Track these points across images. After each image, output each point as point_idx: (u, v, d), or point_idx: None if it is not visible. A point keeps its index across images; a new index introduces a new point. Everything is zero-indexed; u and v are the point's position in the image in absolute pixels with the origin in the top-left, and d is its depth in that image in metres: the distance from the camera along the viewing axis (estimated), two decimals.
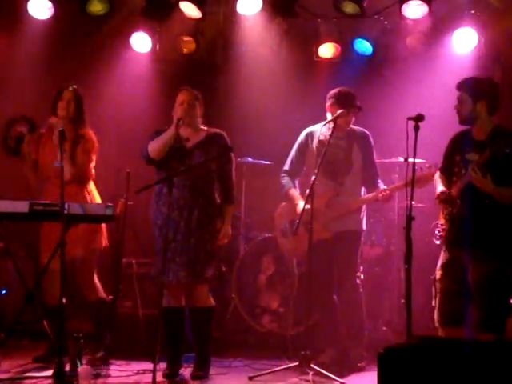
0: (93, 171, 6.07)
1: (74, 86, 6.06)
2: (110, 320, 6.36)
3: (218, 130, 5.83)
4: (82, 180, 5.97)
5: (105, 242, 6.14)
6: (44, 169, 6.00)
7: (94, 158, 6.04)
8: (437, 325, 5.27)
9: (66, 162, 5.73)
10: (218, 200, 5.75)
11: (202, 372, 5.65)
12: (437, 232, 5.32)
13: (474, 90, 5.25)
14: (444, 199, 5.28)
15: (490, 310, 5.06)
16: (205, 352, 5.73)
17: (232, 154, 5.82)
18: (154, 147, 5.69)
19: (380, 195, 6.00)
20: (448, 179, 5.36)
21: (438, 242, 5.37)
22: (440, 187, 5.39)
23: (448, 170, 5.39)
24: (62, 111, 5.98)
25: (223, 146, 5.74)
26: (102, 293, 6.15)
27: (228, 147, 5.67)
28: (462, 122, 5.33)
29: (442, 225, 5.32)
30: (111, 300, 6.57)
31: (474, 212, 5.16)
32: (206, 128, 5.83)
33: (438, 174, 5.52)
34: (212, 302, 5.75)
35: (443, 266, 5.29)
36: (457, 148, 5.34)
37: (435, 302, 5.30)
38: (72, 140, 5.91)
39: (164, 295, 5.41)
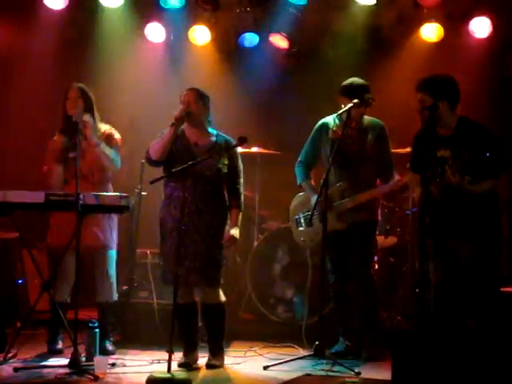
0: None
1: (79, 84, 6.05)
2: (123, 313, 6.41)
3: (227, 138, 5.75)
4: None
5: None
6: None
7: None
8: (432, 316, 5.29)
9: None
10: (225, 205, 5.73)
11: (216, 361, 5.67)
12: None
13: (435, 90, 5.26)
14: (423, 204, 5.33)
15: (482, 299, 5.11)
16: (218, 343, 5.73)
17: (240, 162, 5.78)
18: (155, 148, 5.62)
19: (394, 186, 5.98)
20: (422, 177, 5.35)
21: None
22: (416, 188, 5.45)
23: (419, 168, 5.38)
24: (70, 111, 5.95)
25: (232, 155, 5.72)
26: (113, 296, 6.10)
27: (241, 138, 5.57)
28: (425, 124, 5.32)
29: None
30: (126, 290, 6.63)
31: (454, 207, 5.22)
32: (215, 132, 5.77)
33: (410, 174, 5.56)
34: (223, 298, 5.70)
35: (432, 257, 5.32)
36: (423, 145, 5.32)
37: (429, 295, 5.33)
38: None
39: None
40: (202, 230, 5.57)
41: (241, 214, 5.76)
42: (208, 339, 5.78)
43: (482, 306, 5.12)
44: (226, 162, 5.67)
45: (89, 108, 5.99)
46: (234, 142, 5.68)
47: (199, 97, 5.67)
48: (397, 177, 6.04)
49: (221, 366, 5.68)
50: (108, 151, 5.94)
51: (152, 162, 5.71)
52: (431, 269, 5.33)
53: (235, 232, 5.68)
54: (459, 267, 5.23)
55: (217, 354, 5.70)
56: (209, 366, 5.65)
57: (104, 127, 6.08)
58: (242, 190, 5.78)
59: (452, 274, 5.25)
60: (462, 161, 5.07)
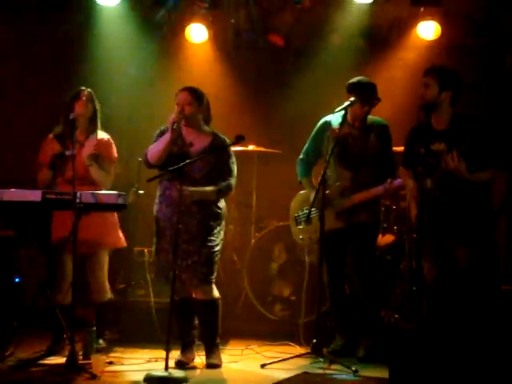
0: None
1: (89, 89, 6.04)
2: (120, 311, 6.41)
3: (223, 138, 5.69)
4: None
5: (121, 241, 6.13)
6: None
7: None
8: (424, 315, 5.30)
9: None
10: (218, 203, 5.69)
11: (214, 360, 5.64)
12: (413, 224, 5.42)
13: (443, 78, 5.29)
14: (415, 195, 5.36)
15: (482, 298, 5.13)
16: (212, 340, 5.68)
17: (232, 162, 5.69)
18: (153, 153, 5.63)
19: (388, 188, 5.93)
20: (413, 171, 5.44)
21: (415, 235, 5.45)
22: (409, 183, 5.48)
23: (412, 163, 5.43)
24: (80, 109, 5.91)
25: (225, 158, 5.65)
26: (108, 295, 6.06)
27: (239, 137, 5.52)
28: (422, 107, 5.36)
29: (415, 216, 5.37)
30: (123, 289, 6.63)
31: (453, 199, 5.23)
32: (211, 132, 5.72)
33: (401, 168, 5.60)
34: (216, 294, 5.67)
35: (428, 255, 5.33)
36: (418, 140, 5.38)
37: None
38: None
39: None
40: (192, 228, 5.56)
41: (215, 192, 5.58)
42: (202, 337, 5.75)
43: (481, 304, 5.14)
44: (217, 162, 5.62)
45: (95, 114, 6.00)
46: (229, 143, 5.67)
47: (193, 97, 5.64)
48: (389, 179, 6.00)
49: (220, 364, 5.66)
50: (98, 173, 5.91)
51: (150, 166, 5.71)
52: (426, 267, 5.35)
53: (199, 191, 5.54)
54: (456, 267, 5.23)
55: (213, 351, 5.67)
56: (209, 365, 5.62)
57: (102, 135, 6.06)
58: (231, 183, 5.66)
59: (448, 273, 5.26)
60: (464, 145, 5.07)
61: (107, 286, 6.06)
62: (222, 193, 5.65)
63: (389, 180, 5.90)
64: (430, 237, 5.33)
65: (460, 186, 5.18)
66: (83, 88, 6.01)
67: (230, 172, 5.68)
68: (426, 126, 5.38)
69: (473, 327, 4.86)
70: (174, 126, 5.54)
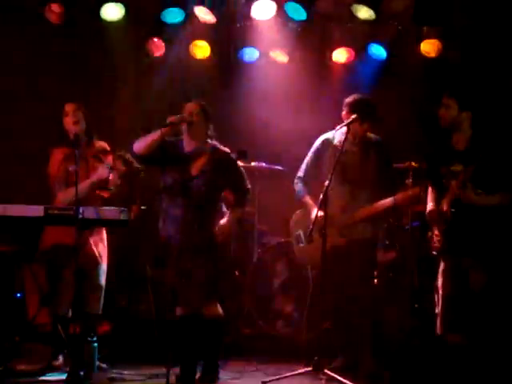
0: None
1: (72, 103, 6.02)
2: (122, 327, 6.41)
3: (225, 152, 5.70)
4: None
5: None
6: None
7: None
8: (439, 332, 5.28)
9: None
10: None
11: (210, 376, 5.61)
12: (433, 243, 5.40)
13: (463, 99, 5.29)
14: (434, 219, 5.36)
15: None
16: (211, 359, 5.65)
17: (240, 172, 5.73)
18: (140, 141, 5.59)
19: (397, 201, 5.94)
20: (438, 192, 5.43)
21: (434, 253, 5.44)
22: (429, 205, 5.49)
23: (437, 182, 5.44)
24: (72, 126, 5.93)
25: (235, 173, 5.70)
26: (101, 308, 6.07)
27: (241, 152, 5.58)
28: (442, 127, 5.36)
29: (436, 235, 5.36)
30: (124, 304, 6.62)
31: (468, 220, 5.22)
32: (212, 143, 5.70)
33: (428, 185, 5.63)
34: (219, 311, 5.64)
35: (444, 273, 5.32)
36: (440, 160, 5.39)
37: (438, 309, 5.33)
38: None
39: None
40: (193, 247, 5.54)
41: (240, 210, 5.76)
42: (203, 353, 5.70)
43: (494, 326, 5.13)
44: (224, 176, 5.63)
45: (88, 124, 5.99)
46: (231, 155, 5.69)
47: (202, 110, 5.64)
48: (400, 192, 6.02)
49: (214, 381, 5.60)
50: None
51: (132, 153, 5.69)
52: (440, 283, 5.33)
53: (226, 225, 5.62)
54: (469, 288, 5.22)
55: (214, 368, 5.64)
56: (202, 380, 5.58)
57: (99, 142, 6.07)
58: (245, 189, 5.72)
59: (462, 292, 5.24)
60: (470, 171, 5.08)
61: (101, 300, 6.04)
62: (242, 215, 5.90)
63: (400, 193, 5.96)
64: (445, 257, 5.32)
65: (475, 207, 5.17)
66: (68, 103, 6.01)
67: (244, 186, 5.73)
68: (446, 146, 5.38)
69: (482, 346, 4.85)
70: (168, 123, 5.51)
